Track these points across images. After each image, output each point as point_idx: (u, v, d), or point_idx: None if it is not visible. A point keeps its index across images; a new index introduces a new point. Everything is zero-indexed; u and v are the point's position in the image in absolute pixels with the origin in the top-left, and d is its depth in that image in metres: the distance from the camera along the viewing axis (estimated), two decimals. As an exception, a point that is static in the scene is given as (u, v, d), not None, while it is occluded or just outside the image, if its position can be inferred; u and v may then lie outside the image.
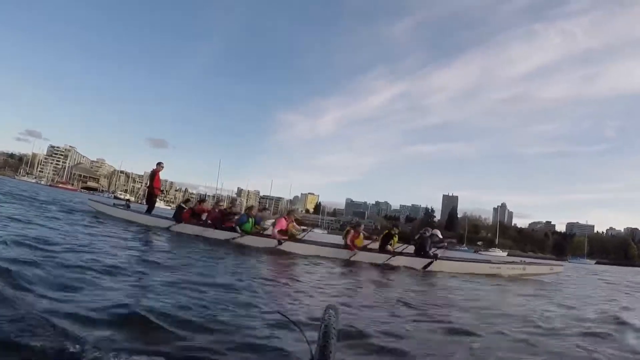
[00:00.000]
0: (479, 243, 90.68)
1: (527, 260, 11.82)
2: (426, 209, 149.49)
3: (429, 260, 9.27)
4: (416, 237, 10.09)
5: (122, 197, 75.55)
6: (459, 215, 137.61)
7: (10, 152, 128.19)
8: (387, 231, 10.36)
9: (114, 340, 1.91)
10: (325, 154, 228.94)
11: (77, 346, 1.72)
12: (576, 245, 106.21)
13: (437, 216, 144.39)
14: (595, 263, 71.20)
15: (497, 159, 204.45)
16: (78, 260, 3.74)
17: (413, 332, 2.89)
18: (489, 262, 10.52)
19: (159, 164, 11.22)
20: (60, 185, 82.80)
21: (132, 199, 80.00)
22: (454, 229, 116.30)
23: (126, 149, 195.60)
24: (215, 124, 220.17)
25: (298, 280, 4.94)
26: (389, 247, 9.83)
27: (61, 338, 1.79)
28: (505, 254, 66.07)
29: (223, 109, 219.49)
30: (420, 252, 9.74)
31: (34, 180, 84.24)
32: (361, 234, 9.79)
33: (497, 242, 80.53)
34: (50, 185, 77.26)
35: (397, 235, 10.17)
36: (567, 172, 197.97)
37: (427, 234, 10.02)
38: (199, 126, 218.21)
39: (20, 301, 2.23)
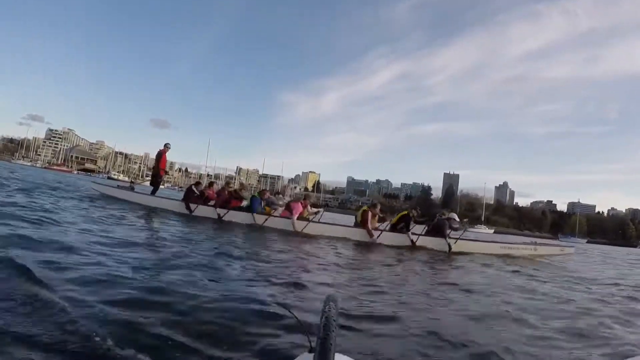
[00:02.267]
0: (465, 220, 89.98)
1: (539, 241, 11.65)
2: (423, 186, 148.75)
3: (449, 242, 9.07)
4: (434, 220, 9.73)
5: (115, 177, 76.95)
6: (459, 194, 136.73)
7: (10, 137, 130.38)
8: (405, 212, 9.80)
9: (109, 326, 1.90)
10: (328, 134, 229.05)
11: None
12: (574, 225, 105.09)
13: (438, 194, 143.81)
14: (587, 242, 70.32)
15: (499, 139, 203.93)
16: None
17: (428, 321, 2.77)
18: (500, 242, 10.39)
19: (165, 145, 11.20)
20: (54, 167, 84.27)
21: (126, 178, 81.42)
22: (451, 207, 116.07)
23: (128, 130, 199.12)
24: (218, 104, 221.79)
25: (314, 266, 4.77)
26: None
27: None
28: (491, 231, 65.38)
29: (225, 89, 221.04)
30: (437, 235, 9.38)
31: (29, 163, 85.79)
32: (377, 215, 9.63)
33: (483, 219, 79.66)
34: (45, 168, 78.55)
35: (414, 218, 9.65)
36: (569, 153, 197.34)
37: (444, 217, 9.71)
38: (201, 107, 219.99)
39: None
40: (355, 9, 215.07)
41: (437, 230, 9.43)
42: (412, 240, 9.13)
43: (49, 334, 1.75)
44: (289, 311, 1.86)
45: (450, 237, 9.26)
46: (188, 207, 9.61)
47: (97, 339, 1.74)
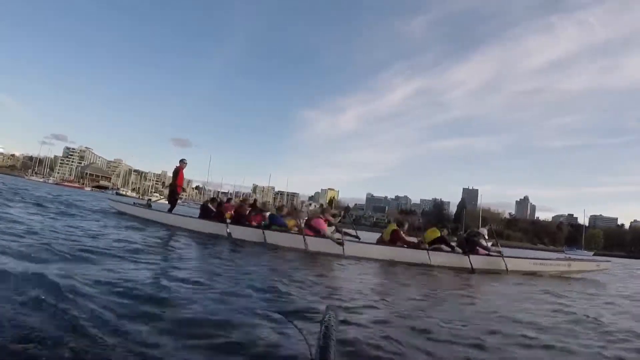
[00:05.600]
0: (460, 233, 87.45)
1: (573, 256, 11.35)
2: (434, 200, 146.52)
3: (500, 258, 8.77)
4: (465, 236, 9.37)
5: (123, 193, 79.36)
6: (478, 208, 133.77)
7: (30, 155, 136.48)
8: (438, 233, 8.96)
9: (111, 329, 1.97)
10: (346, 151, 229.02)
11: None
12: (591, 238, 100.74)
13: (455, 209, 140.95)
14: (594, 254, 67.22)
15: (519, 153, 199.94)
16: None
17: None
18: (532, 258, 9.96)
19: (181, 161, 10.90)
20: (65, 184, 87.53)
21: (134, 194, 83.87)
22: (462, 221, 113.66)
23: (150, 149, 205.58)
24: (237, 122, 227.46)
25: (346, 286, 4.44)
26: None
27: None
28: (489, 244, 63.43)
29: (245, 107, 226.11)
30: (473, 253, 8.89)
31: (42, 180, 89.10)
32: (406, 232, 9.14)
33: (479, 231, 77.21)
34: (57, 184, 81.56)
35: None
36: (590, 165, 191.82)
37: (474, 232, 9.47)
38: (221, 125, 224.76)
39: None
40: (371, 25, 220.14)
41: (473, 248, 8.91)
42: (471, 265, 8.27)
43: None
44: (289, 321, 1.90)
45: (491, 255, 8.95)
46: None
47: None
